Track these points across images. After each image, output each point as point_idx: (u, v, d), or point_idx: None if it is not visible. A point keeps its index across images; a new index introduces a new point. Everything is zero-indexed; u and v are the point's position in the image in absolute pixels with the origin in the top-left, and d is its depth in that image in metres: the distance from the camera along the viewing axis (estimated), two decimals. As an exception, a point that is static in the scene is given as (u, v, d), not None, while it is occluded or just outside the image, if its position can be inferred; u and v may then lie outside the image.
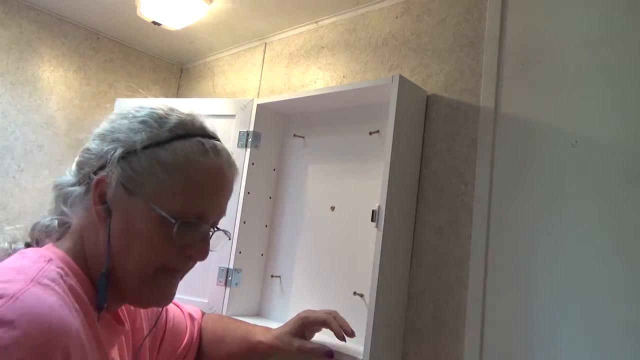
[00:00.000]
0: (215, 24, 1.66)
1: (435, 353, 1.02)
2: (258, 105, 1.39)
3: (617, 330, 0.80)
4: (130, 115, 0.60)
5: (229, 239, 0.64)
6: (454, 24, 1.17)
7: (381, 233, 1.00)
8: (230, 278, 1.31)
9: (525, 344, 0.90)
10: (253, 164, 1.38)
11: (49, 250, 0.56)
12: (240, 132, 1.39)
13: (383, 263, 1.00)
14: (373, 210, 1.03)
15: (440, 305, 1.04)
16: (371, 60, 1.35)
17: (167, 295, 0.62)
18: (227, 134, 1.39)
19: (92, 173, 0.57)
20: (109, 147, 0.57)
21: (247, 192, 1.36)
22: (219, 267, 1.32)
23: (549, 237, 0.91)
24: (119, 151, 0.56)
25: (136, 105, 0.62)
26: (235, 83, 1.82)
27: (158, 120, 0.59)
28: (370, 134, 1.22)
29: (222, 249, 1.32)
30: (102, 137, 0.59)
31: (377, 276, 0.99)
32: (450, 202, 1.07)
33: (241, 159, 1.37)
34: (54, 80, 1.76)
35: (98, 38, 1.88)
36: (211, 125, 0.64)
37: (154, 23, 1.59)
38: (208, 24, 1.66)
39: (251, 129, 1.38)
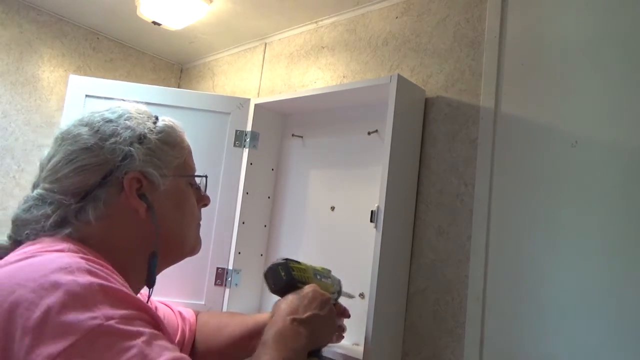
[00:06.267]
0: (215, 24, 1.66)
1: (435, 353, 1.02)
2: (256, 105, 1.39)
3: (617, 330, 0.80)
4: (114, 117, 0.65)
5: (206, 177, 0.77)
6: (454, 24, 1.17)
7: (380, 233, 1.00)
8: (229, 279, 1.31)
9: (525, 343, 0.90)
10: (251, 164, 1.37)
11: (69, 244, 0.57)
12: (237, 131, 1.38)
13: (383, 263, 1.00)
14: (372, 211, 1.03)
15: (440, 305, 1.04)
16: (371, 60, 1.35)
17: (201, 241, 0.76)
18: (222, 132, 1.39)
19: (111, 175, 0.62)
20: (120, 147, 0.63)
21: (245, 193, 1.35)
22: (217, 268, 1.31)
23: (549, 236, 0.91)
24: (136, 147, 0.64)
25: (103, 110, 0.67)
26: (235, 83, 1.82)
27: (139, 112, 0.69)
28: (369, 133, 1.22)
29: (221, 249, 1.32)
30: (101, 142, 0.62)
31: (376, 276, 0.98)
32: (450, 202, 1.07)
33: (238, 158, 1.37)
34: (54, 80, 1.76)
35: (98, 38, 1.88)
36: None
37: (154, 23, 1.58)
38: (208, 24, 1.66)
39: (249, 128, 1.38)
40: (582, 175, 0.89)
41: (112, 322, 0.46)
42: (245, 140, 1.38)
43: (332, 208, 1.29)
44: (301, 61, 1.57)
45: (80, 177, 0.61)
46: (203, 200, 0.76)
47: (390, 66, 1.30)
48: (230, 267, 1.32)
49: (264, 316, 0.87)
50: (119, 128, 0.64)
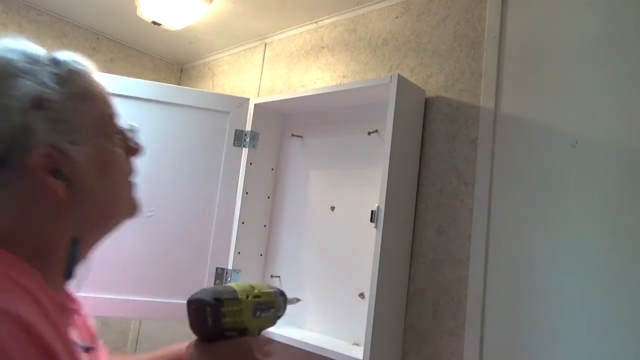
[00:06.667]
0: (215, 24, 1.66)
1: (435, 353, 1.02)
2: (255, 104, 1.39)
3: (617, 329, 0.80)
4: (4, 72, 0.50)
5: (134, 129, 0.63)
6: (454, 24, 1.17)
7: (380, 233, 1.00)
8: (229, 279, 1.31)
9: (525, 343, 0.90)
10: (251, 164, 1.37)
11: None
12: (236, 130, 1.38)
13: (383, 263, 1.00)
14: (372, 211, 1.03)
15: (440, 305, 1.04)
16: (371, 60, 1.35)
17: (138, 201, 0.63)
18: (222, 131, 1.38)
19: (10, 155, 0.49)
20: (14, 121, 0.49)
21: (245, 193, 1.35)
22: (217, 268, 1.31)
23: (548, 236, 0.91)
24: (35, 115, 0.50)
25: None
26: (235, 83, 1.82)
27: (31, 61, 0.52)
28: (369, 134, 1.22)
29: (220, 249, 1.32)
30: None
31: (376, 276, 0.98)
32: (450, 202, 1.07)
33: (237, 158, 1.37)
34: (54, 80, 1.75)
35: (98, 38, 1.88)
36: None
37: (154, 23, 1.58)
38: (208, 24, 1.66)
39: (248, 128, 1.38)
40: (582, 175, 0.89)
41: None
42: (244, 140, 1.38)
43: (332, 208, 1.29)
44: (301, 61, 1.57)
45: None
46: (132, 151, 0.62)
47: (390, 66, 1.30)
48: (230, 267, 1.32)
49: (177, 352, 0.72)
50: (7, 96, 0.49)
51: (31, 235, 0.52)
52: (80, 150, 0.53)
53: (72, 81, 0.54)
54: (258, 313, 0.68)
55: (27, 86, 0.50)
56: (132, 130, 0.62)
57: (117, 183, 0.59)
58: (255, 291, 0.68)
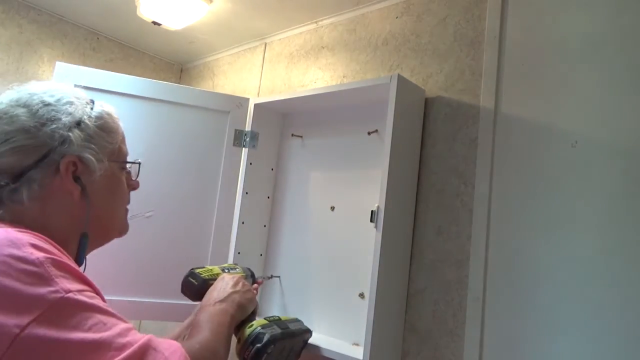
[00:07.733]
0: (215, 24, 1.66)
1: (435, 353, 1.02)
2: (255, 104, 1.39)
3: (617, 330, 0.80)
4: (53, 101, 0.67)
5: (140, 163, 0.80)
6: (454, 24, 1.17)
7: (380, 234, 1.00)
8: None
9: (525, 344, 0.90)
10: (251, 163, 1.37)
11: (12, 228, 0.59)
12: (236, 130, 1.38)
13: (383, 263, 1.00)
14: (372, 211, 1.03)
15: (440, 305, 1.04)
16: (371, 60, 1.35)
17: (128, 225, 0.80)
18: (221, 131, 1.38)
19: (48, 157, 0.63)
20: (59, 132, 0.64)
21: (245, 193, 1.35)
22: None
23: (548, 236, 0.91)
24: (75, 132, 0.66)
25: (41, 92, 0.68)
26: (235, 83, 1.82)
27: (77, 97, 0.71)
28: (369, 134, 1.22)
29: (221, 249, 1.32)
30: (40, 126, 0.64)
31: (376, 276, 0.98)
32: (450, 202, 1.07)
33: (237, 158, 1.37)
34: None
35: (98, 38, 1.88)
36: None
37: (154, 23, 1.58)
38: (208, 24, 1.66)
39: (248, 128, 1.38)
40: (582, 175, 0.89)
41: (71, 294, 0.51)
42: (244, 140, 1.38)
43: (332, 208, 1.29)
44: (301, 61, 1.57)
45: (15, 157, 0.62)
46: (133, 185, 0.80)
47: (390, 66, 1.30)
48: (230, 267, 1.31)
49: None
50: (59, 113, 0.65)
51: (47, 226, 0.63)
52: (98, 167, 0.68)
53: (103, 119, 0.72)
54: (226, 271, 0.97)
55: (74, 110, 0.68)
56: (137, 163, 0.80)
57: (117, 203, 0.75)
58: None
